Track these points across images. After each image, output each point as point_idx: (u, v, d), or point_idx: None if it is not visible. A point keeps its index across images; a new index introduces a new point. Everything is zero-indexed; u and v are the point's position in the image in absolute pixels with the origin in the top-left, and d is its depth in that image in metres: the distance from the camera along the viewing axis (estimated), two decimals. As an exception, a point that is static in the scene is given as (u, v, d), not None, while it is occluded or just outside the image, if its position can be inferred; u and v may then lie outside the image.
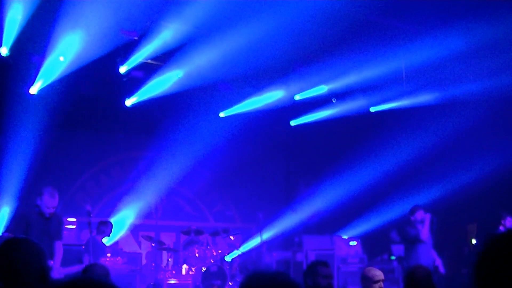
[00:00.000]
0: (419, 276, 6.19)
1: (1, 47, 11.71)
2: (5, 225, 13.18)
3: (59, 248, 9.00)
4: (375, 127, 15.41)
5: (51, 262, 8.57)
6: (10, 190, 13.73)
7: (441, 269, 11.17)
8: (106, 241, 12.63)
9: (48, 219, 8.90)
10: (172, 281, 13.15)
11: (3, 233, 11.83)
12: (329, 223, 16.24)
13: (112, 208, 15.71)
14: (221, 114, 16.14)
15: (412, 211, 11.39)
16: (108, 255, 12.54)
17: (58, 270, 8.83)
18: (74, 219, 13.41)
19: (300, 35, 12.53)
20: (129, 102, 14.63)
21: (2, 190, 13.73)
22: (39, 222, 8.85)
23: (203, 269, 12.96)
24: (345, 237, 15.02)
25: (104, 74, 13.49)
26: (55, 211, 8.99)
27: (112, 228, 12.67)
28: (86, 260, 10.85)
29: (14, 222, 9.07)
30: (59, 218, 9.20)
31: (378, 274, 7.14)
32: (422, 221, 11.21)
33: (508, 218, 12.34)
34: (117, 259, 12.74)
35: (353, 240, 14.89)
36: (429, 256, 11.34)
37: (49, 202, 8.83)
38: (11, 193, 13.72)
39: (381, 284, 7.09)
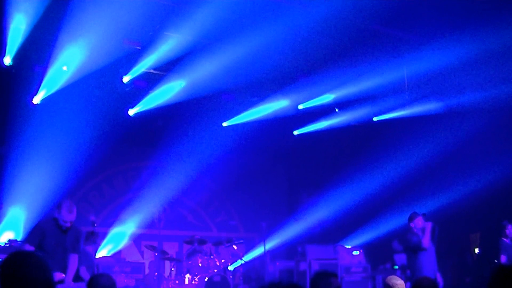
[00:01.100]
0: (425, 287, 6.17)
1: (5, 57, 11.73)
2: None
3: (73, 262, 8.95)
4: (378, 137, 15.41)
5: (62, 275, 8.56)
6: (12, 199, 13.76)
7: (440, 282, 11.14)
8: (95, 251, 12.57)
9: (65, 232, 8.89)
10: (175, 291, 13.13)
11: (14, 242, 11.84)
12: (332, 232, 16.23)
13: (115, 218, 15.72)
14: (224, 124, 16.13)
15: (411, 218, 11.34)
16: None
17: (69, 284, 8.79)
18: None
19: (303, 45, 12.56)
20: (132, 111, 14.64)
21: (5, 198, 13.74)
22: (55, 234, 8.82)
23: (206, 278, 12.93)
24: (348, 246, 14.99)
25: (107, 84, 13.49)
26: (72, 224, 8.98)
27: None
28: (83, 272, 10.82)
29: (30, 231, 9.03)
30: (77, 231, 9.17)
31: (399, 283, 7.15)
32: (422, 229, 11.20)
33: (509, 226, 12.38)
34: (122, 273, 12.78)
35: (356, 250, 14.86)
36: (432, 265, 11.34)
37: (67, 216, 8.81)
38: (14, 202, 13.75)
39: None
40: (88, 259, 11.35)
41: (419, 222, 11.22)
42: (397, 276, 13.88)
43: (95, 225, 10.46)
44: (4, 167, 13.94)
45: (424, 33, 12.15)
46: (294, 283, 2.64)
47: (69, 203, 8.95)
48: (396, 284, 7.11)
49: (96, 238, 12.33)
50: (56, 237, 8.78)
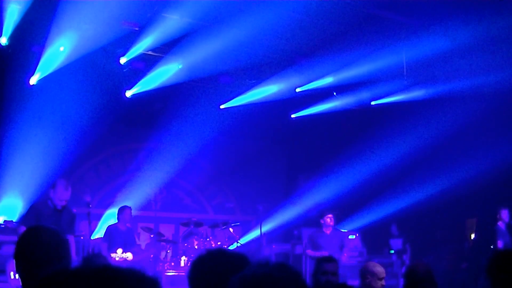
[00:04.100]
0: (420, 272, 6.15)
1: (1, 37, 11.66)
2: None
3: (70, 242, 8.98)
4: (375, 121, 15.39)
5: None
6: (8, 180, 13.73)
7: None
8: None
9: (60, 212, 8.89)
10: (171, 273, 13.13)
11: (9, 222, 11.84)
12: (329, 216, 16.21)
13: (111, 199, 15.69)
14: (222, 106, 16.09)
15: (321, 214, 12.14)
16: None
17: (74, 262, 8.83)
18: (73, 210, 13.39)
19: (301, 28, 12.48)
20: (129, 93, 14.58)
21: (0, 179, 13.72)
22: (50, 214, 8.83)
23: (202, 261, 12.91)
24: (344, 230, 15.00)
25: (104, 65, 13.43)
26: (67, 204, 8.98)
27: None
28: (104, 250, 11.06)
29: (25, 213, 9.05)
30: (71, 212, 9.19)
31: (380, 270, 7.10)
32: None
33: (503, 211, 12.45)
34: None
35: (352, 234, 14.87)
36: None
37: (62, 194, 8.82)
38: (10, 183, 13.72)
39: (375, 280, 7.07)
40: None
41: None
42: (393, 260, 14.00)
43: (90, 206, 10.46)
44: (0, 147, 13.89)
45: (423, 17, 12.07)
46: (283, 262, 2.61)
47: (65, 182, 8.97)
48: (379, 272, 7.05)
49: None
50: (51, 218, 8.78)
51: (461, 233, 15.64)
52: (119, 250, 11.68)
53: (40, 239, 3.60)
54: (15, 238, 9.40)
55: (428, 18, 12.03)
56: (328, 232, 11.89)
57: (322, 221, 11.94)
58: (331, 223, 11.97)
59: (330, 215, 11.93)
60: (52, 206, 8.87)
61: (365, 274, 7.00)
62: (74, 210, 9.63)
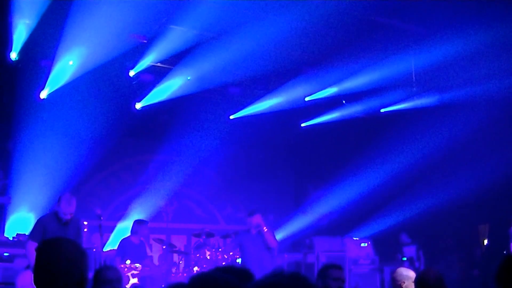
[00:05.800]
0: (431, 280, 6.13)
1: (11, 52, 11.73)
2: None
3: None
4: (385, 129, 15.35)
5: None
6: (20, 193, 13.78)
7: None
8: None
9: (66, 225, 8.97)
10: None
11: (21, 236, 11.90)
12: (340, 224, 16.19)
13: (122, 211, 15.72)
14: (231, 117, 16.12)
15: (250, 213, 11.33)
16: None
17: None
18: (85, 223, 13.42)
19: (310, 37, 12.52)
20: (138, 105, 14.64)
21: (12, 192, 13.78)
22: (56, 228, 8.91)
23: (214, 271, 12.89)
24: (356, 238, 14.96)
25: (113, 78, 13.49)
26: (73, 217, 9.07)
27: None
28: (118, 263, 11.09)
29: (33, 228, 9.14)
30: (78, 224, 9.26)
31: (411, 274, 7.13)
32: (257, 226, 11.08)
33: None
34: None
35: (364, 242, 14.83)
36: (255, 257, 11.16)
37: (66, 208, 8.92)
38: (21, 195, 13.77)
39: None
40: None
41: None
42: (406, 267, 13.92)
43: (102, 218, 10.49)
44: (12, 161, 13.97)
45: (431, 25, 12.07)
46: (297, 272, 2.62)
47: (69, 196, 9.09)
48: (413, 275, 7.08)
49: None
50: (57, 231, 8.87)
51: (473, 239, 15.58)
52: (128, 262, 11.69)
53: (62, 251, 3.56)
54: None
55: (436, 25, 12.03)
56: (254, 232, 11.35)
57: (248, 222, 11.24)
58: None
59: (257, 215, 11.39)
60: (58, 220, 8.97)
61: (401, 279, 7.04)
62: (85, 222, 9.70)
